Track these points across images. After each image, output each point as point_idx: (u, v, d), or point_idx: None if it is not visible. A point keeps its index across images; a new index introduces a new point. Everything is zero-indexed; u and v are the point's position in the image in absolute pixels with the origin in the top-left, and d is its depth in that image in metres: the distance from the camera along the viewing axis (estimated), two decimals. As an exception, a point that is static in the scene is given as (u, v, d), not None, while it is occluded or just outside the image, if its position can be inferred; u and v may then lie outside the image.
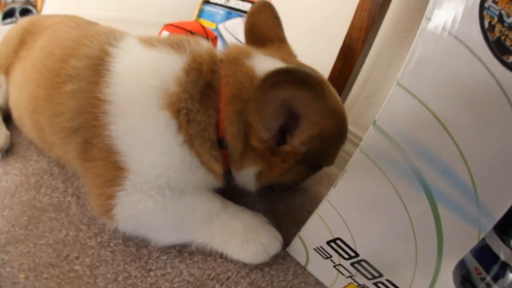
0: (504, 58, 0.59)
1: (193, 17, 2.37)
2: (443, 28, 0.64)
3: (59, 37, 1.00)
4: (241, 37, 2.13)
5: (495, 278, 0.81)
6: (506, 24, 0.61)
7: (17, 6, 2.41)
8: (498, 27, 0.61)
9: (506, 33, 0.60)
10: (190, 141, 0.79)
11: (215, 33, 2.01)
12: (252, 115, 0.76)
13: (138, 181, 0.80)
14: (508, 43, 0.60)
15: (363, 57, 1.28)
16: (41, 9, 2.57)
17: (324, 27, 1.57)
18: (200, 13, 2.33)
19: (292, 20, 1.70)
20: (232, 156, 0.85)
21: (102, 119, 0.78)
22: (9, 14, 2.38)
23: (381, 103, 0.71)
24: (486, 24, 0.61)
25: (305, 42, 1.34)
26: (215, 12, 2.28)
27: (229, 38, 2.19)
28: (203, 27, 1.92)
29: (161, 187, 0.81)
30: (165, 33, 1.78)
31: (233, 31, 2.20)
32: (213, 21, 2.25)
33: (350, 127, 1.37)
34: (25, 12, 2.46)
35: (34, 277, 0.77)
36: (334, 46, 1.34)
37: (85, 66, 0.84)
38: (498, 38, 0.60)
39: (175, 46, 0.85)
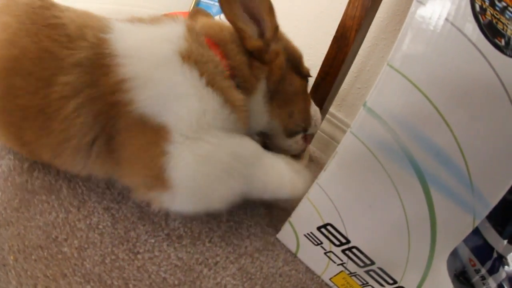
0: (496, 40, 0.60)
1: (189, 8, 2.36)
2: (434, 11, 0.65)
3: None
4: None
5: (491, 271, 0.84)
6: (497, 8, 0.62)
7: None
8: (489, 11, 0.62)
9: (498, 16, 0.62)
10: (211, 82, 0.85)
11: None
12: (235, 27, 0.94)
13: (182, 128, 0.82)
14: (500, 26, 0.61)
15: (356, 46, 1.29)
16: None
17: (318, 16, 1.57)
18: (197, 6, 2.32)
19: (286, 8, 1.70)
20: (244, 81, 0.94)
21: (123, 100, 0.80)
22: None
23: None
24: (478, 7, 0.62)
25: (300, 30, 1.35)
26: (211, 4, 2.26)
27: None
28: None
29: (204, 128, 0.84)
30: None
31: None
32: (210, 12, 2.22)
33: (342, 117, 1.38)
34: None
35: (23, 259, 0.77)
36: (328, 34, 1.34)
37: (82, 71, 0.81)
38: (490, 21, 0.61)
39: (164, 19, 0.93)
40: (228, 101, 0.86)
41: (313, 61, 1.02)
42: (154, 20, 0.93)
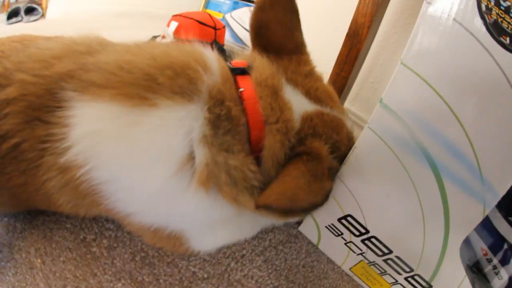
0: (502, 39, 0.61)
1: (199, 8, 2.35)
2: (443, 11, 0.66)
3: None
4: (249, 26, 2.12)
5: (502, 262, 0.84)
6: (502, 8, 0.63)
7: (22, 5, 2.41)
8: (495, 10, 0.63)
9: (503, 16, 0.62)
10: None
11: (223, 23, 1.98)
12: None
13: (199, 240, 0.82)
14: (505, 25, 0.62)
15: (368, 43, 1.29)
16: (46, 7, 2.56)
17: (330, 13, 1.57)
18: (207, 4, 2.32)
19: (299, 6, 1.72)
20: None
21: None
22: (13, 14, 2.38)
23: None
24: (484, 7, 0.63)
25: (312, 28, 1.36)
26: (222, 2, 2.26)
27: (237, 28, 2.17)
28: (211, 17, 1.87)
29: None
30: (174, 24, 1.75)
31: (241, 20, 2.17)
32: (219, 12, 2.24)
33: (356, 111, 1.39)
34: (30, 10, 2.47)
35: (50, 261, 0.78)
36: (340, 32, 1.34)
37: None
38: (495, 21, 0.62)
39: (181, 89, 0.66)
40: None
41: (327, 57, 1.03)
42: (163, 91, 0.66)
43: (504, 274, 0.82)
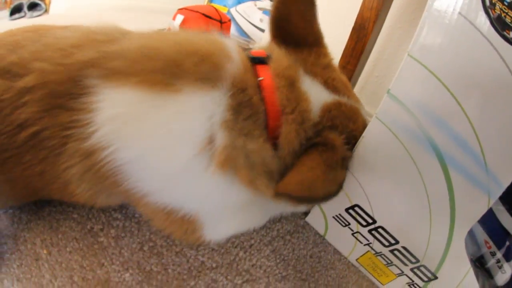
0: (505, 33, 0.63)
1: (204, 2, 2.35)
2: (448, 5, 0.68)
3: None
4: (254, 20, 2.14)
5: (507, 256, 0.83)
6: (506, 3, 0.65)
7: (25, 1, 2.38)
8: (498, 5, 0.65)
9: (506, 11, 0.64)
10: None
11: (229, 16, 1.99)
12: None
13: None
14: (508, 20, 0.64)
15: (374, 37, 1.31)
16: (49, 2, 2.52)
17: (336, 7, 1.58)
18: (211, -1, 2.30)
19: None
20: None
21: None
22: (16, 10, 2.34)
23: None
24: (488, 2, 0.65)
25: (319, 21, 1.38)
26: (226, -5, 2.24)
27: (242, 22, 2.17)
28: (217, 10, 1.88)
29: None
30: (180, 17, 1.75)
31: (246, 14, 2.17)
32: (224, 6, 2.24)
33: (364, 105, 1.41)
34: (33, 6, 2.41)
35: (57, 251, 0.79)
36: (346, 26, 1.36)
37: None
38: (499, 16, 0.64)
39: (206, 75, 0.68)
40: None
41: (333, 51, 1.03)
42: (188, 78, 0.69)
43: (507, 268, 0.82)
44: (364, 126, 0.81)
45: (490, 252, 0.85)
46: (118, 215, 0.88)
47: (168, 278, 0.80)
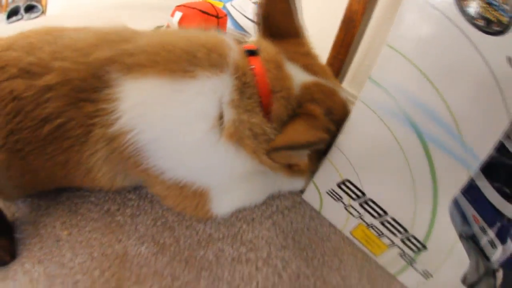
0: (476, 21, 0.69)
1: (203, -3, 2.31)
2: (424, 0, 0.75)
3: None
4: (250, 15, 2.15)
5: (500, 237, 0.87)
6: None
7: (21, 4, 2.38)
8: None
9: (478, 1, 0.70)
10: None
11: (225, 11, 2.01)
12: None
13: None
14: (481, 10, 0.69)
15: (363, 28, 1.36)
16: (46, 3, 2.52)
17: (326, 1, 1.61)
18: (210, -10, 2.30)
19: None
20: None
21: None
22: (13, 12, 2.40)
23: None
24: None
25: (309, 14, 1.43)
26: (224, -11, 2.24)
27: (237, 16, 2.19)
28: (213, 6, 1.91)
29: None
30: (178, 14, 1.78)
31: (241, 9, 2.19)
32: (220, 1, 2.25)
33: (354, 92, 1.46)
34: (30, 8, 2.48)
35: (77, 231, 0.85)
36: (336, 18, 1.41)
37: None
38: (470, 6, 0.70)
39: (215, 62, 0.80)
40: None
41: (325, 42, 1.09)
42: (202, 63, 0.80)
43: (498, 244, 0.86)
44: (342, 104, 0.93)
45: (480, 228, 0.89)
46: (132, 196, 0.96)
47: (180, 249, 0.86)
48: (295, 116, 0.86)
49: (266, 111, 0.84)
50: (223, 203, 0.95)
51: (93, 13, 2.38)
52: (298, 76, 0.90)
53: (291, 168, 0.94)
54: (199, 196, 0.88)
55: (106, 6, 2.60)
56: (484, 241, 0.89)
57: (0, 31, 1.32)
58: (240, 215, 0.99)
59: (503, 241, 0.84)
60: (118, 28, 0.84)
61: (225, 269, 0.85)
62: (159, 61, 0.76)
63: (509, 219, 0.83)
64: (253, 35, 2.12)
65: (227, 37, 0.90)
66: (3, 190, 0.82)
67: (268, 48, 0.90)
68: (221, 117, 0.80)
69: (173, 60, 0.76)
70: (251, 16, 2.16)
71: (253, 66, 0.84)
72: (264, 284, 0.85)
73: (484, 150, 0.73)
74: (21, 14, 2.40)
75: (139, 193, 0.98)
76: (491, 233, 0.87)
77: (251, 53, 0.88)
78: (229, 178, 0.92)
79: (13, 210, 0.89)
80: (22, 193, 0.90)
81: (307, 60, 0.94)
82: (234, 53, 0.84)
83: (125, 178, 0.86)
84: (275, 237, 0.96)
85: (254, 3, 2.15)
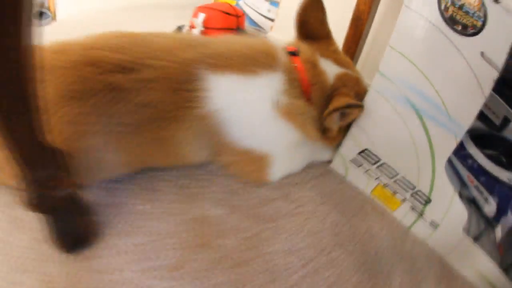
0: (455, 27, 0.88)
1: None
2: (415, 11, 0.94)
3: None
4: (262, 11, 2.22)
5: (488, 188, 0.96)
6: (456, 5, 0.87)
7: None
8: (451, 8, 0.88)
9: (457, 11, 0.87)
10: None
11: (241, 10, 2.17)
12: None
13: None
14: (458, 17, 0.87)
15: (368, 26, 1.52)
16: (54, 9, 2.31)
17: (337, 4, 1.59)
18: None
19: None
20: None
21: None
22: None
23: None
24: (443, 6, 0.89)
25: None
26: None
27: (251, 14, 2.31)
28: (232, 6, 2.08)
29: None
30: (202, 15, 1.94)
31: (254, 6, 2.30)
32: None
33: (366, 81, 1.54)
34: (38, 15, 2.16)
35: (158, 205, 1.00)
36: (344, 18, 1.55)
37: None
38: (451, 15, 0.88)
39: (270, 63, 1.03)
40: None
41: (337, 38, 1.21)
42: (262, 64, 1.03)
43: (491, 200, 0.95)
44: (365, 89, 1.15)
45: (475, 187, 0.98)
46: (201, 171, 1.12)
47: (247, 208, 1.03)
48: (334, 96, 1.07)
49: (307, 97, 1.06)
50: (277, 169, 1.14)
51: (109, 15, 2.40)
52: (332, 69, 1.11)
53: (325, 137, 1.14)
54: (260, 161, 1.09)
55: (116, 8, 2.53)
56: (479, 198, 0.99)
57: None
58: (287, 180, 1.17)
59: (491, 191, 0.96)
60: (190, 37, 1.04)
61: (282, 221, 1.02)
62: (233, 63, 0.97)
63: (496, 178, 0.95)
64: (267, 31, 2.22)
65: (275, 43, 1.10)
66: (86, 173, 0.83)
67: (305, 49, 1.11)
68: (278, 101, 1.01)
69: (242, 62, 0.98)
70: (264, 13, 2.29)
71: (296, 65, 1.05)
72: (313, 230, 1.02)
73: (467, 120, 0.90)
74: (30, 22, 2.14)
75: (207, 169, 1.13)
76: (484, 191, 0.97)
77: (293, 53, 1.09)
78: (283, 147, 1.12)
79: (90, 195, 0.94)
80: (111, 173, 0.99)
81: (336, 55, 1.17)
82: (282, 56, 1.05)
83: (204, 152, 1.05)
84: (315, 196, 1.14)
85: (266, 0, 2.25)
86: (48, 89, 0.73)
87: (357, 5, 1.50)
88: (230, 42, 1.05)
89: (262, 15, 2.30)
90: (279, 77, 1.02)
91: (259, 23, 2.33)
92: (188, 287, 0.82)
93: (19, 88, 0.57)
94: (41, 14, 2.24)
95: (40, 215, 0.77)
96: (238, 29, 2.08)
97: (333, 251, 0.98)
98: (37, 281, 0.77)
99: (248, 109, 1.01)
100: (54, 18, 2.33)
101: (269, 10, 2.27)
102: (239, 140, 1.03)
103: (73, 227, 0.83)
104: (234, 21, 2.05)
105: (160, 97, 0.88)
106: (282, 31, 2.16)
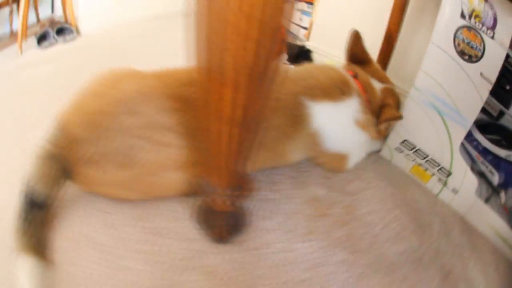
0: (464, 56, 1.09)
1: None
2: (437, 46, 1.16)
3: None
4: (296, 20, 2.42)
5: (494, 165, 1.13)
6: (465, 42, 1.08)
7: (49, 28, 2.25)
8: (461, 44, 1.10)
9: (465, 46, 1.09)
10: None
11: None
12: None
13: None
14: (466, 50, 1.08)
15: (396, 42, 1.75)
16: (75, 23, 2.38)
17: (367, 19, 1.96)
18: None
19: (344, 14, 2.13)
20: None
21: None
22: (43, 37, 2.24)
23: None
24: (456, 43, 1.11)
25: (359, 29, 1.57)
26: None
27: None
28: None
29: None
30: None
31: None
32: None
33: (399, 83, 1.72)
34: (60, 31, 2.31)
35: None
36: (376, 33, 1.74)
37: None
38: (462, 49, 1.10)
39: (349, 90, 1.26)
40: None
41: (372, 51, 1.53)
42: (346, 91, 1.25)
43: (494, 172, 1.13)
44: (398, 97, 1.37)
45: (481, 162, 1.16)
46: (302, 166, 1.36)
47: (339, 187, 1.30)
48: (382, 107, 1.28)
49: (369, 110, 1.27)
50: (352, 162, 1.38)
51: (131, 27, 2.47)
52: (377, 85, 1.33)
53: (380, 135, 1.35)
54: (343, 158, 1.33)
55: (140, 20, 2.59)
56: (485, 170, 1.17)
57: (38, 56, 1.88)
58: (357, 166, 1.43)
59: (498, 171, 1.12)
60: (296, 74, 1.27)
61: (361, 193, 1.30)
62: (326, 92, 1.19)
63: (497, 156, 1.11)
64: (301, 38, 2.44)
65: (343, 69, 1.32)
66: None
67: (361, 72, 1.34)
68: (357, 118, 1.24)
69: (331, 92, 1.20)
70: (297, 22, 2.47)
71: (359, 86, 1.27)
72: (380, 198, 1.28)
73: (472, 116, 1.12)
74: (54, 38, 2.25)
75: (304, 164, 1.37)
76: (489, 166, 1.14)
77: (354, 77, 1.30)
78: (357, 148, 1.35)
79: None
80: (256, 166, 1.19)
81: (378, 74, 1.40)
82: (351, 81, 1.26)
83: (303, 155, 1.29)
84: (377, 175, 1.41)
85: (298, 10, 2.41)
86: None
87: (389, 25, 1.75)
88: (317, 74, 1.27)
89: (295, 23, 2.47)
90: (355, 100, 1.25)
91: (293, 31, 2.51)
92: (318, 243, 1.07)
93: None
94: (62, 30, 2.32)
95: (196, 221, 0.99)
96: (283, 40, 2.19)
97: (395, 211, 1.26)
98: (201, 274, 0.92)
99: (339, 126, 1.24)
100: (78, 32, 2.42)
101: (300, 19, 2.45)
102: (332, 147, 1.26)
103: (234, 220, 1.00)
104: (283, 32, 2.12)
105: (282, 118, 1.15)
106: (318, 40, 2.38)
